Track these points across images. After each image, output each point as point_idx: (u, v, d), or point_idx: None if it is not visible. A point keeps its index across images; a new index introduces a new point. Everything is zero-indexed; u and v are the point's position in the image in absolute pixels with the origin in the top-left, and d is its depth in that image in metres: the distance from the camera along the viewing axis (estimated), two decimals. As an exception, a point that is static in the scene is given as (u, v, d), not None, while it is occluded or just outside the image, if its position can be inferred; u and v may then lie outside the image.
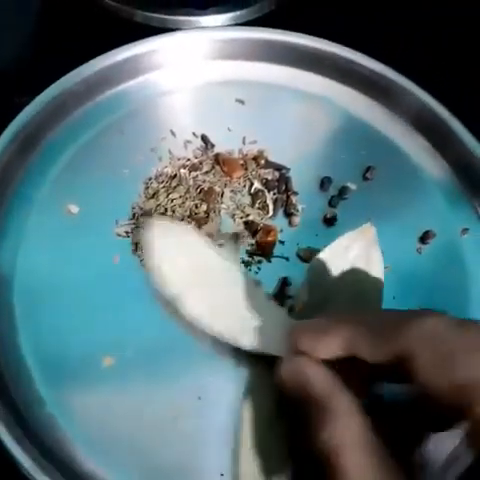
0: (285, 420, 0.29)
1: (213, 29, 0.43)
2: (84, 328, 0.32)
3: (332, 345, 0.26)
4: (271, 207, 0.37)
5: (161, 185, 0.37)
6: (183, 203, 0.36)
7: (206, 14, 0.45)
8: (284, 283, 0.34)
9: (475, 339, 0.24)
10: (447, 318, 0.25)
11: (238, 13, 0.46)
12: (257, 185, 0.38)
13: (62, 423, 0.30)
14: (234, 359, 0.32)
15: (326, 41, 0.42)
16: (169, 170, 0.38)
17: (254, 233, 0.36)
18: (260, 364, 0.31)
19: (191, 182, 0.37)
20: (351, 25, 0.47)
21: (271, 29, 0.42)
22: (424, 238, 0.37)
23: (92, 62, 0.39)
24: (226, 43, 0.42)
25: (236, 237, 0.35)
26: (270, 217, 0.37)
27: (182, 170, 0.38)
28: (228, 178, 0.38)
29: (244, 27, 0.43)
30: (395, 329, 0.25)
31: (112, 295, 0.33)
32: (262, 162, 0.39)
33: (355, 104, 0.42)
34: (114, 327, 0.32)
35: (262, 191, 0.37)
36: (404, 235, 0.37)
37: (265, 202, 0.37)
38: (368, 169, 0.39)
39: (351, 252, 0.33)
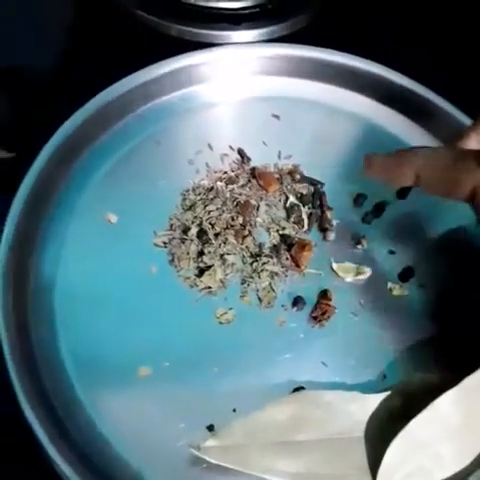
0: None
1: (248, 45, 0.44)
2: (121, 336, 0.33)
3: (404, 177, 0.29)
4: (306, 221, 0.37)
5: (198, 197, 0.38)
6: (220, 215, 0.37)
7: (239, 29, 0.46)
8: (324, 295, 0.35)
9: None
10: None
11: (270, 29, 0.47)
12: (292, 199, 0.38)
13: (99, 426, 0.30)
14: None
15: (361, 58, 0.43)
16: (206, 182, 0.38)
17: (289, 247, 0.36)
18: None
19: (228, 195, 0.38)
20: (383, 42, 0.48)
21: (308, 46, 0.43)
22: (458, 256, 0.37)
23: (135, 75, 0.40)
24: (262, 59, 0.43)
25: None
26: (305, 231, 0.37)
27: (219, 183, 0.38)
28: (264, 192, 0.38)
29: (283, 44, 0.43)
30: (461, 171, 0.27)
31: (149, 305, 0.34)
32: (297, 177, 0.39)
33: (391, 122, 0.42)
34: (150, 337, 0.33)
35: (297, 205, 0.38)
36: (438, 253, 0.37)
37: (300, 216, 0.38)
38: (402, 187, 0.39)
39: None
